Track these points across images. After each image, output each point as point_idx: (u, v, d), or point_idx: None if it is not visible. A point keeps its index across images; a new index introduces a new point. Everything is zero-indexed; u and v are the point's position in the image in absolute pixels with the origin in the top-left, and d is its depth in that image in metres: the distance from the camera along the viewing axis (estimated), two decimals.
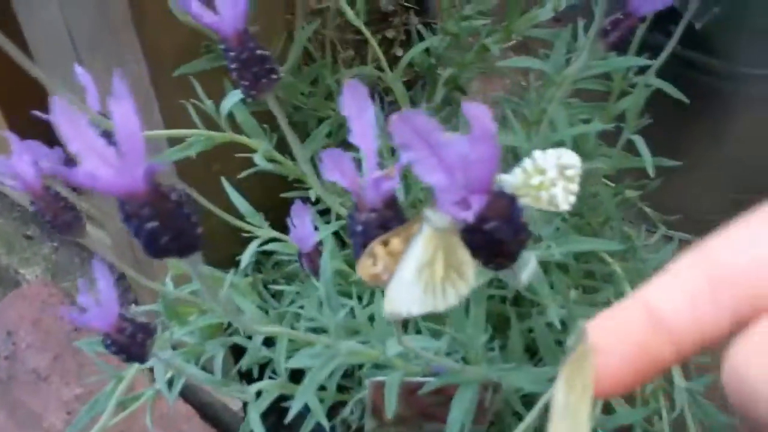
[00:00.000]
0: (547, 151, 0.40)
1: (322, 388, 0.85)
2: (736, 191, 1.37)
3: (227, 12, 0.48)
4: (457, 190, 0.33)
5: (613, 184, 0.94)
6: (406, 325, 0.76)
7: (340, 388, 0.90)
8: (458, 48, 0.99)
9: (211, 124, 0.72)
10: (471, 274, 0.37)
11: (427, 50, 1.04)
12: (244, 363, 0.84)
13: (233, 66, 0.50)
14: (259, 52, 0.50)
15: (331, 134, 0.95)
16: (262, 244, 0.79)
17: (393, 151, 0.87)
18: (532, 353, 0.85)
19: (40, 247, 1.73)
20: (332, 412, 0.91)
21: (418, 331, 0.75)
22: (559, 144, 0.78)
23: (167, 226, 0.39)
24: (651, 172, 0.73)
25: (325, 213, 0.92)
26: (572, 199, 0.39)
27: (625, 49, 0.75)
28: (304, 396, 0.63)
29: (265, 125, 0.75)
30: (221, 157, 0.78)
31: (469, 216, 0.32)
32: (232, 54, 0.50)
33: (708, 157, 1.33)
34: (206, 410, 1.31)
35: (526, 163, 0.40)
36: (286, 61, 0.84)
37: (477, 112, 0.31)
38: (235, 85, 0.55)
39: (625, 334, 0.26)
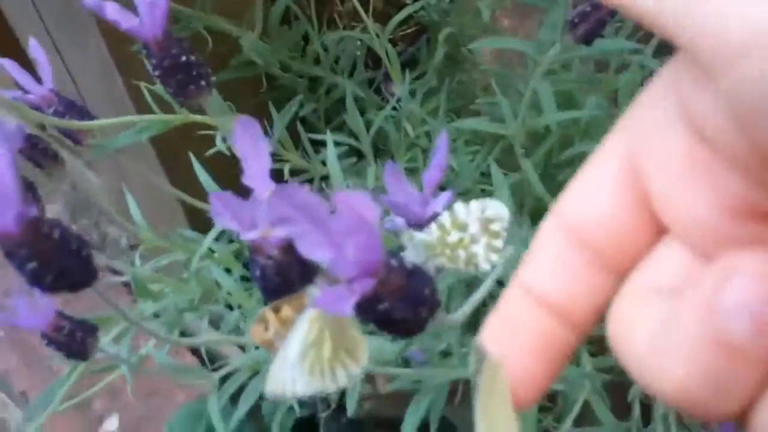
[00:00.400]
0: (471, 202, 0.36)
1: None
2: None
3: (146, 18, 0.45)
4: (348, 267, 0.30)
5: None
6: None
7: None
8: (457, 6, 0.94)
9: None
10: (364, 354, 0.34)
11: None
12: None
13: (156, 73, 0.47)
14: (183, 59, 0.47)
15: (319, 99, 0.92)
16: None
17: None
18: None
19: (58, 184, 1.73)
20: None
21: None
22: (546, 129, 0.73)
23: (49, 265, 0.38)
24: None
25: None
26: (495, 258, 0.35)
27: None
28: (258, 386, 0.61)
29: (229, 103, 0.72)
30: (201, 124, 0.75)
31: (347, 309, 0.29)
32: (154, 60, 0.47)
33: None
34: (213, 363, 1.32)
35: (444, 217, 0.36)
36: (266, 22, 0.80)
37: (348, 202, 0.27)
38: None
39: (518, 333, 0.24)
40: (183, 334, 1.12)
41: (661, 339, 0.19)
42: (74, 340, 0.56)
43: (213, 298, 0.87)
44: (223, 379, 0.76)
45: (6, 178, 0.34)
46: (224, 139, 0.66)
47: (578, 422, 0.66)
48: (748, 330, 0.16)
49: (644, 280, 0.21)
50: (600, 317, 0.23)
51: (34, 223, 0.36)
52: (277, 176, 0.72)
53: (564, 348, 0.24)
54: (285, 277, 0.38)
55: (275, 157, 0.82)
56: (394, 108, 0.84)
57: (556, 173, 0.83)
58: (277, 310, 0.36)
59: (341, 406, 0.91)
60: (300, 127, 0.83)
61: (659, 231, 0.21)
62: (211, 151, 0.70)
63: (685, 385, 0.18)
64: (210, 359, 1.17)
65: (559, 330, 0.23)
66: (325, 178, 0.86)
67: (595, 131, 0.78)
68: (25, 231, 0.36)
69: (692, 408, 0.18)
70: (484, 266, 0.35)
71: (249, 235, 0.36)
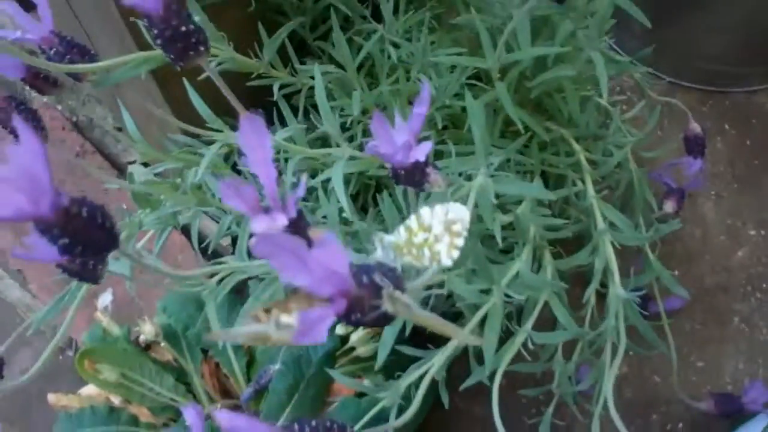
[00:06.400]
0: (435, 206, 0.41)
1: None
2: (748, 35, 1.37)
3: None
4: (323, 290, 0.35)
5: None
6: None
7: None
8: None
9: None
10: None
11: None
12: (213, 241, 0.89)
13: (158, 42, 0.51)
14: (183, 29, 0.50)
15: (305, 10, 0.94)
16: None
17: None
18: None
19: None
20: None
21: None
22: (517, 62, 0.77)
23: (78, 239, 0.43)
24: (604, 93, 0.73)
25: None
26: (456, 254, 0.40)
27: None
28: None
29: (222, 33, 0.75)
30: None
31: (323, 338, 0.34)
32: (155, 31, 0.50)
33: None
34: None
35: (411, 220, 0.41)
36: None
37: (321, 258, 0.32)
38: None
39: None
40: None
41: None
42: (86, 269, 0.62)
43: (207, 204, 0.92)
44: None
45: (40, 171, 0.38)
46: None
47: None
48: None
49: None
50: None
51: (65, 209, 0.41)
52: (268, 92, 0.77)
53: None
54: None
55: (264, 75, 0.86)
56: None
57: (528, 93, 0.87)
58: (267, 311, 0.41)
59: None
60: (287, 42, 0.86)
61: None
62: (202, 76, 0.73)
63: None
64: None
65: None
66: (312, 87, 0.90)
67: (566, 56, 0.83)
68: (58, 215, 0.41)
69: None
70: (446, 261, 0.41)
71: (259, 226, 0.41)
